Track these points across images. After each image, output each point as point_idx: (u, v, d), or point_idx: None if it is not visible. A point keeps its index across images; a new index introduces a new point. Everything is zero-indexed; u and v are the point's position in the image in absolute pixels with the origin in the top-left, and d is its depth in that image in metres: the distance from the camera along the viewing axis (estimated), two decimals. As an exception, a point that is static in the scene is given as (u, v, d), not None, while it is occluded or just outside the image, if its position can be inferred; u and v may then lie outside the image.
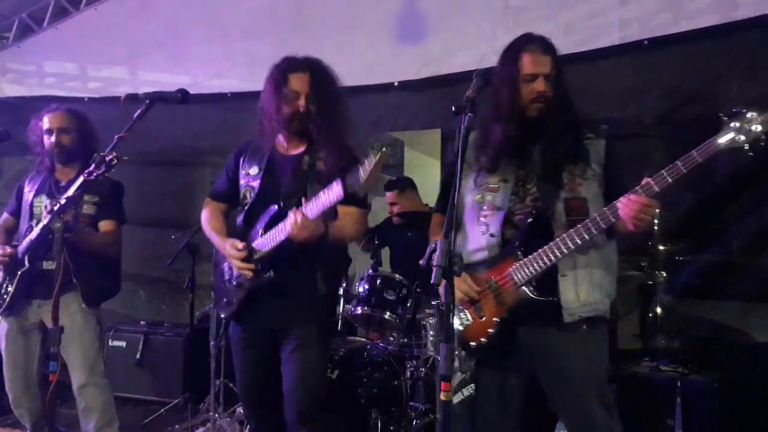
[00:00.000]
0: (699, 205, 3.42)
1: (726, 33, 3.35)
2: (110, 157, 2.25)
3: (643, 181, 1.88)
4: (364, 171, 2.00)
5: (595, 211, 2.00)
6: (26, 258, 2.88)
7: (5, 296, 2.92)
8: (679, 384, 3.00)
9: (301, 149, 2.51)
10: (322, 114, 2.43)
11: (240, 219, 2.54)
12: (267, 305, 2.42)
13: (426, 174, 4.46)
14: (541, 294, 2.02)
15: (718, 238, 3.45)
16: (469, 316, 2.12)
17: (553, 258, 1.97)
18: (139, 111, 2.35)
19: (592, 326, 2.06)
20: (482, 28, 4.00)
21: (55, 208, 2.32)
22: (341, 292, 3.85)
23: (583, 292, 2.02)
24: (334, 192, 2.11)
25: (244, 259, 2.39)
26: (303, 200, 2.25)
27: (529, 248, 2.02)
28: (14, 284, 2.90)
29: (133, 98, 2.36)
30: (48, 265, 2.90)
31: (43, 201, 2.99)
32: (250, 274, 2.38)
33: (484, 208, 2.13)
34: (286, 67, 2.48)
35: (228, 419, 3.81)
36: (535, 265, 1.99)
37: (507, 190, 2.12)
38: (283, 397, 2.43)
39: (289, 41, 4.56)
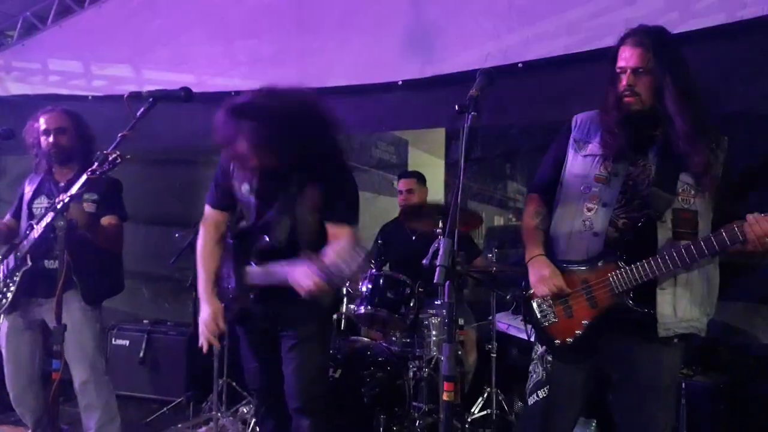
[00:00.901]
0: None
1: (732, 32, 3.33)
2: (114, 156, 2.24)
3: None
4: (345, 267, 1.91)
5: (704, 226, 1.98)
6: (28, 257, 2.87)
7: (8, 295, 2.92)
8: (683, 386, 2.99)
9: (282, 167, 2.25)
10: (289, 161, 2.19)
11: (234, 235, 2.43)
12: (265, 312, 2.38)
13: (430, 172, 4.47)
14: (638, 304, 1.98)
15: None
16: (555, 315, 2.10)
17: (657, 272, 1.92)
18: (142, 109, 2.35)
19: (683, 342, 2.04)
20: (486, 27, 3.98)
21: (58, 207, 2.33)
22: (344, 291, 3.86)
23: (681, 308, 1.98)
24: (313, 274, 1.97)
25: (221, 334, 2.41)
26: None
27: (632, 255, 1.97)
28: (16, 283, 2.90)
29: (136, 96, 2.35)
30: (50, 264, 2.91)
31: (43, 202, 3.01)
32: (214, 343, 2.41)
33: (589, 199, 2.08)
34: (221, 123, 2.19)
35: (231, 418, 3.81)
36: (636, 274, 1.95)
37: (616, 185, 2.06)
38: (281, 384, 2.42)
39: (291, 40, 4.57)
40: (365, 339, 3.74)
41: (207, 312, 2.40)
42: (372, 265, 3.63)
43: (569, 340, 2.07)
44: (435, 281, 1.59)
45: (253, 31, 4.68)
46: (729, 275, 3.41)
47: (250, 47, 4.70)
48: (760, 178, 3.15)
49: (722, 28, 3.35)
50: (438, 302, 3.29)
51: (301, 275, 2.01)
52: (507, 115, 3.92)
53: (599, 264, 2.03)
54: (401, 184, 4.32)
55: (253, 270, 2.32)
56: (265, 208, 2.32)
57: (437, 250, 1.64)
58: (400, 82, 4.29)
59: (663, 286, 1.97)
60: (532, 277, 2.14)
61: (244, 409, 3.85)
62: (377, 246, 4.05)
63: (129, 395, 4.39)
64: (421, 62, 4.27)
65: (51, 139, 3.01)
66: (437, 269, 1.60)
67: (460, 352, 3.53)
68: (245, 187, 2.35)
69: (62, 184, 2.97)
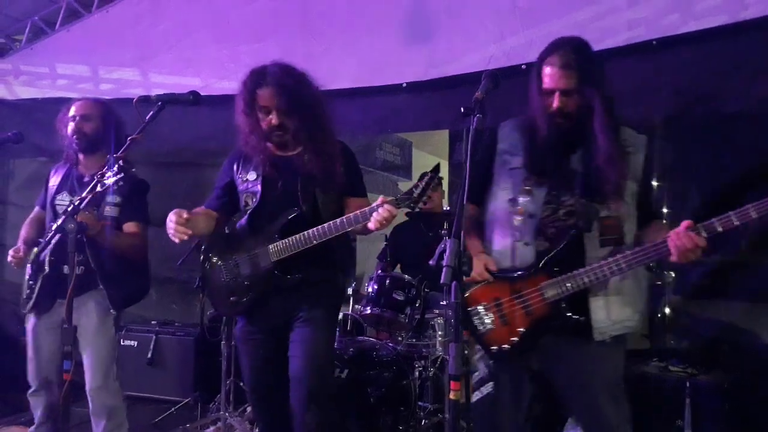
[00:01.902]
0: (707, 204, 3.42)
1: (735, 33, 3.34)
2: (120, 159, 2.29)
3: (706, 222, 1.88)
4: (418, 190, 2.16)
5: (629, 231, 2.03)
6: (47, 262, 2.85)
7: (32, 295, 2.93)
8: (688, 384, 3.01)
9: (298, 149, 2.54)
10: (299, 124, 2.48)
11: (242, 222, 2.52)
12: (276, 303, 2.47)
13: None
14: (572, 311, 2.03)
15: (727, 238, 3.43)
16: (492, 321, 2.11)
17: (588, 282, 1.99)
18: (151, 113, 2.38)
19: (619, 340, 2.09)
20: (490, 29, 4.00)
21: (69, 209, 2.36)
22: (350, 292, 3.89)
23: (614, 311, 2.04)
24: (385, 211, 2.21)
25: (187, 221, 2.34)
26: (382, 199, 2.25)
27: (563, 265, 2.03)
28: (38, 286, 2.90)
29: (145, 100, 2.39)
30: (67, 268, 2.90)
31: (65, 199, 2.98)
32: (183, 236, 2.32)
33: (516, 211, 2.13)
34: (253, 82, 2.51)
35: (238, 418, 3.84)
36: (569, 284, 2.01)
37: (540, 196, 2.10)
38: (285, 388, 2.44)
39: (295, 43, 4.59)
40: (371, 339, 3.77)
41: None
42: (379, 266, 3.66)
43: (505, 346, 2.09)
44: (441, 281, 1.61)
45: (258, 34, 4.71)
46: (734, 275, 3.45)
47: (255, 50, 4.72)
48: (761, 178, 3.18)
49: (724, 29, 3.37)
50: (444, 302, 3.31)
51: (379, 218, 2.20)
52: (510, 116, 3.94)
53: (532, 273, 2.07)
54: None
55: (277, 244, 2.40)
56: (270, 192, 2.48)
57: (444, 249, 1.66)
58: (404, 85, 4.31)
59: (595, 292, 2.02)
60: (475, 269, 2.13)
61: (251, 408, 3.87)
62: (385, 247, 4.07)
63: (137, 395, 4.42)
64: (425, 64, 4.29)
65: (74, 125, 3.00)
66: (444, 269, 1.61)
67: (466, 352, 3.55)
68: (251, 175, 2.53)
69: (86, 179, 2.93)
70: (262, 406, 2.64)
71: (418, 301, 3.53)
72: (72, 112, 3.04)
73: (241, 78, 2.53)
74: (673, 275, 3.53)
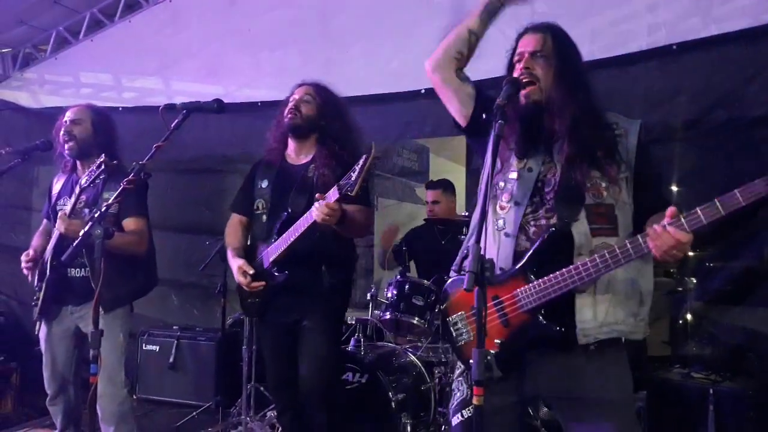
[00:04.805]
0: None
1: (755, 37, 3.32)
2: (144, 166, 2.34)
3: (683, 216, 1.62)
4: (355, 173, 2.31)
5: (623, 219, 1.83)
6: (48, 267, 2.86)
7: (37, 301, 2.94)
8: (711, 392, 2.97)
9: (309, 158, 2.79)
10: (323, 127, 2.76)
11: (254, 227, 2.87)
12: (282, 302, 2.72)
13: (451, 180, 4.48)
14: (550, 321, 1.81)
15: (749, 244, 3.40)
16: (471, 333, 1.94)
17: (565, 287, 1.75)
18: (176, 121, 2.41)
19: (610, 348, 1.84)
20: (508, 35, 3.99)
21: (96, 215, 2.39)
22: (369, 297, 3.90)
23: (602, 312, 1.80)
24: (331, 196, 2.39)
25: (254, 275, 2.72)
26: (318, 195, 2.46)
27: (543, 268, 1.80)
28: (42, 291, 2.91)
29: (170, 108, 2.43)
30: (73, 272, 2.90)
31: (67, 204, 2.94)
32: (259, 287, 2.71)
33: (503, 196, 1.94)
34: (296, 85, 2.87)
35: (259, 423, 3.86)
36: (546, 290, 1.78)
37: (530, 182, 1.91)
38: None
39: (316, 51, 4.64)
40: (391, 344, 3.78)
41: (234, 268, 2.81)
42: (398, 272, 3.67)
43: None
44: (464, 287, 1.59)
45: (279, 42, 4.77)
46: (756, 280, 3.41)
47: (276, 58, 4.79)
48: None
49: (745, 33, 3.34)
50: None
51: (315, 209, 2.42)
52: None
53: (509, 276, 1.86)
54: (428, 195, 4.28)
55: (273, 245, 2.69)
56: (279, 199, 2.75)
57: (466, 255, 1.64)
58: (423, 91, 4.32)
59: (581, 290, 1.80)
60: None
61: (272, 414, 3.89)
62: (402, 252, 4.08)
63: (158, 400, 4.48)
64: (443, 71, 4.30)
65: (64, 129, 3.00)
66: (465, 275, 1.59)
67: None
68: (264, 183, 2.83)
69: (82, 181, 2.88)
70: (278, 396, 2.98)
71: (438, 305, 3.53)
72: (65, 117, 3.06)
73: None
74: (695, 281, 3.50)
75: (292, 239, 2.58)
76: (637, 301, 1.85)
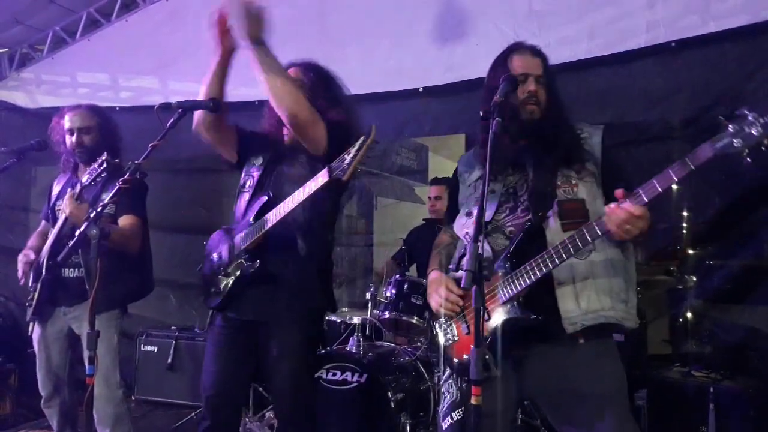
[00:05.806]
0: (729, 208, 3.38)
1: (754, 34, 3.31)
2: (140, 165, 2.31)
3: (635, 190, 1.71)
4: (349, 155, 2.04)
5: (594, 213, 1.86)
6: (44, 267, 2.86)
7: (32, 302, 2.94)
8: (711, 390, 2.96)
9: None
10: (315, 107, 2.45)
11: (236, 207, 2.58)
12: (251, 296, 2.41)
13: (451, 179, 4.48)
14: (526, 311, 1.84)
15: (749, 242, 3.40)
16: (456, 333, 1.98)
17: (538, 273, 1.80)
18: (171, 120, 2.40)
19: (599, 339, 1.88)
20: (506, 33, 4.00)
21: (91, 215, 2.37)
22: (368, 296, 3.89)
23: (586, 299, 1.84)
24: (320, 179, 2.11)
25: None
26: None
27: (520, 262, 1.86)
28: (37, 291, 2.91)
29: (166, 107, 2.41)
30: (67, 272, 2.90)
31: None
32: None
33: (470, 220, 2.06)
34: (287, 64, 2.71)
35: (258, 423, 3.84)
36: (520, 280, 1.84)
37: (494, 202, 2.01)
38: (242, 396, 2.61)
39: (313, 49, 4.61)
40: (390, 344, 3.77)
41: None
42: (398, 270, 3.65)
43: (466, 357, 1.92)
44: (462, 286, 1.60)
45: (276, 40, 4.73)
46: (756, 279, 3.40)
47: (273, 57, 4.76)
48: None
49: (744, 30, 3.34)
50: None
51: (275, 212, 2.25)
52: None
53: (491, 273, 1.89)
54: (431, 191, 4.34)
55: (247, 230, 2.41)
56: (265, 177, 2.51)
57: (463, 254, 1.64)
58: (421, 89, 4.32)
59: (560, 280, 1.86)
60: (432, 302, 2.05)
61: (271, 414, 3.88)
62: (402, 251, 4.07)
63: (157, 401, 4.47)
64: (441, 69, 4.30)
65: (74, 138, 2.99)
66: (463, 274, 1.59)
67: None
68: (258, 160, 2.60)
69: (84, 179, 2.87)
70: (211, 404, 2.52)
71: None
72: (68, 123, 3.02)
73: None
74: (695, 279, 3.49)
75: (268, 225, 2.31)
76: (623, 288, 1.90)
